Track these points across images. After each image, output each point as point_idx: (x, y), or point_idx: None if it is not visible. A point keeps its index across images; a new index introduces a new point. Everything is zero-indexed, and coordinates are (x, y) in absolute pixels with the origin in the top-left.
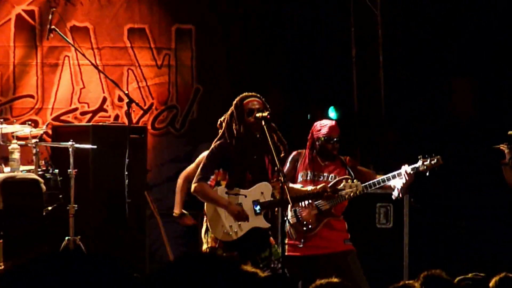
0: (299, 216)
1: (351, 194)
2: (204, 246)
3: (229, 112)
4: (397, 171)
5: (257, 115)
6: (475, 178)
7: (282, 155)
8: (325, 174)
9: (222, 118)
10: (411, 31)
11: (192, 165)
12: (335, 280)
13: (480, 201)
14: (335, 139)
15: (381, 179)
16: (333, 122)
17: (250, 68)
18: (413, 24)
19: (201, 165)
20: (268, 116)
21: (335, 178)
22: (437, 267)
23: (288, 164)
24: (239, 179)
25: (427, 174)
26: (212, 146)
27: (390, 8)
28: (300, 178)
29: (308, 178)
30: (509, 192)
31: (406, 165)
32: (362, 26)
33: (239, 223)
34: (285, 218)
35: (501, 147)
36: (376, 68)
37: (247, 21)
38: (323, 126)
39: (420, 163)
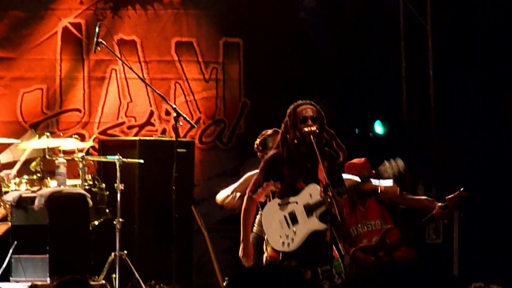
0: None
1: (396, 173)
2: (264, 255)
3: (283, 122)
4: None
5: (306, 129)
6: None
7: (341, 159)
8: (373, 222)
9: (258, 141)
10: (461, 44)
11: (235, 185)
12: None
13: None
14: (368, 176)
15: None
16: (362, 160)
17: (298, 82)
18: (463, 37)
19: (256, 175)
20: (317, 131)
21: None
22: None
23: None
24: (291, 188)
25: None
26: (267, 156)
27: (440, 21)
28: (355, 232)
29: (362, 231)
30: None
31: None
32: (412, 39)
33: (294, 229)
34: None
35: None
36: (426, 82)
37: (296, 34)
38: (347, 167)
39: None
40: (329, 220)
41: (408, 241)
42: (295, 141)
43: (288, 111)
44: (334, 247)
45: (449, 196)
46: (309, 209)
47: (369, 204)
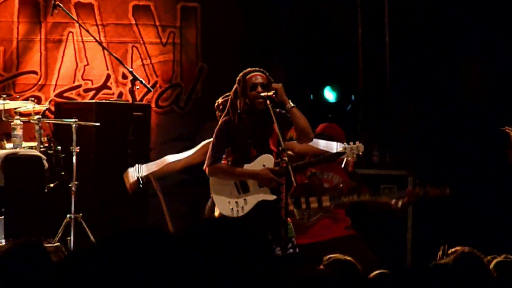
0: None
1: (354, 156)
2: None
3: (233, 89)
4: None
5: (262, 93)
6: (482, 160)
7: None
8: (330, 173)
9: (219, 101)
10: (417, 10)
11: (191, 152)
12: (343, 257)
13: (486, 183)
14: (325, 136)
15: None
16: (332, 124)
17: (254, 47)
18: (420, 4)
19: (210, 146)
20: (273, 95)
21: (338, 180)
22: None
23: None
24: (243, 156)
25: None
26: (219, 124)
27: None
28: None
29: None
30: None
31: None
32: (368, 6)
33: (245, 198)
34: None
35: (506, 129)
36: (382, 48)
37: None
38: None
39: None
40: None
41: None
42: (245, 108)
43: (238, 78)
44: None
45: (433, 187)
46: None
47: (333, 164)
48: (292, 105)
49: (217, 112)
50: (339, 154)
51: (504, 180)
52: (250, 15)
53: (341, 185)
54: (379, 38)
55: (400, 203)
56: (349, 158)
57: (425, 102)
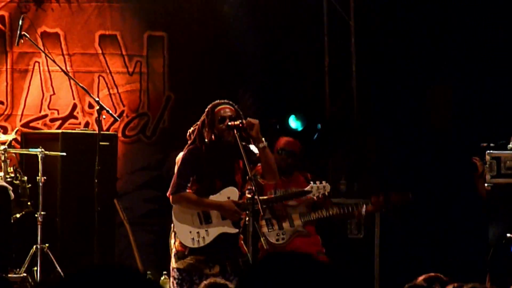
0: (271, 226)
1: (319, 195)
2: (173, 252)
3: (201, 119)
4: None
5: (229, 123)
6: (449, 187)
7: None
8: (294, 189)
9: (191, 129)
10: (384, 40)
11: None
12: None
13: (453, 211)
14: (286, 151)
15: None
16: (292, 139)
17: (222, 76)
18: (386, 34)
19: (175, 174)
20: (240, 125)
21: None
22: (408, 277)
23: None
24: (208, 186)
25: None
26: (184, 152)
27: (364, 17)
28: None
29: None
30: (481, 203)
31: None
32: (335, 34)
33: (206, 229)
34: (258, 229)
35: (473, 160)
36: (349, 77)
37: (220, 28)
38: (280, 140)
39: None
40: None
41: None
42: (213, 140)
43: (207, 110)
44: (243, 244)
45: (395, 193)
46: None
47: (294, 176)
48: (265, 144)
49: (188, 139)
50: (305, 193)
51: (471, 208)
52: (217, 44)
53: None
54: (346, 67)
55: (364, 210)
56: (314, 198)
57: (392, 131)
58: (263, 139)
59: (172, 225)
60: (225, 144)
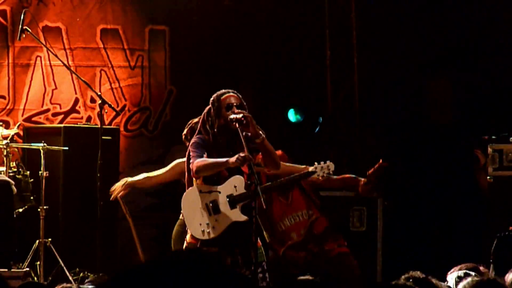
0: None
1: (324, 175)
2: (184, 245)
3: (204, 111)
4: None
5: (231, 117)
6: (450, 181)
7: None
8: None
9: (185, 131)
10: (385, 33)
11: (163, 170)
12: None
13: (455, 205)
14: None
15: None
16: (279, 153)
17: (223, 69)
18: (388, 26)
19: (191, 154)
20: (242, 118)
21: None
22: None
23: None
24: (215, 175)
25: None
26: (193, 139)
27: (365, 10)
28: (283, 227)
29: (290, 224)
30: (482, 196)
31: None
32: (336, 27)
33: (216, 219)
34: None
35: (475, 152)
36: (350, 69)
37: (221, 22)
38: None
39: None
40: (254, 208)
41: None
42: (220, 128)
43: (212, 99)
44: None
45: (370, 171)
46: (233, 201)
47: (292, 196)
48: (263, 136)
49: (186, 142)
50: (310, 174)
51: (473, 201)
52: (219, 37)
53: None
54: (347, 60)
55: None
56: (319, 177)
57: (394, 123)
58: (261, 132)
59: (180, 217)
60: (230, 133)
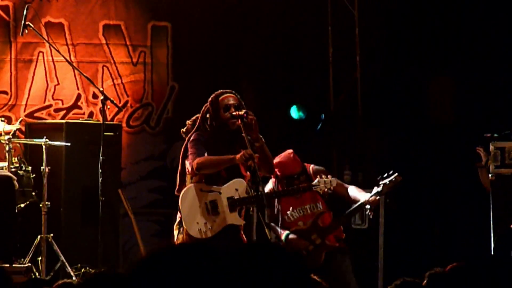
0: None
1: (325, 190)
2: (177, 239)
3: (203, 109)
4: (360, 203)
5: (234, 113)
6: (452, 179)
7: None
8: (307, 206)
9: (183, 129)
10: (388, 31)
11: None
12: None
13: (456, 203)
14: (295, 176)
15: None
16: (290, 155)
17: (225, 66)
18: (390, 24)
19: (191, 150)
20: (245, 115)
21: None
22: (411, 268)
23: None
24: (213, 176)
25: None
26: (192, 136)
27: (368, 8)
28: (291, 218)
29: (298, 215)
30: (484, 194)
31: (368, 194)
32: (339, 25)
33: (214, 219)
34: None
35: (477, 150)
36: (353, 67)
37: (224, 18)
38: (279, 166)
39: (380, 187)
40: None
41: (339, 224)
42: (217, 129)
43: (210, 99)
44: (243, 234)
45: (384, 182)
46: (233, 204)
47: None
48: (262, 141)
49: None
50: (311, 187)
51: (474, 198)
52: (221, 34)
53: (319, 218)
54: (350, 57)
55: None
56: (320, 191)
57: (396, 121)
58: (260, 136)
59: (177, 216)
60: (228, 134)
